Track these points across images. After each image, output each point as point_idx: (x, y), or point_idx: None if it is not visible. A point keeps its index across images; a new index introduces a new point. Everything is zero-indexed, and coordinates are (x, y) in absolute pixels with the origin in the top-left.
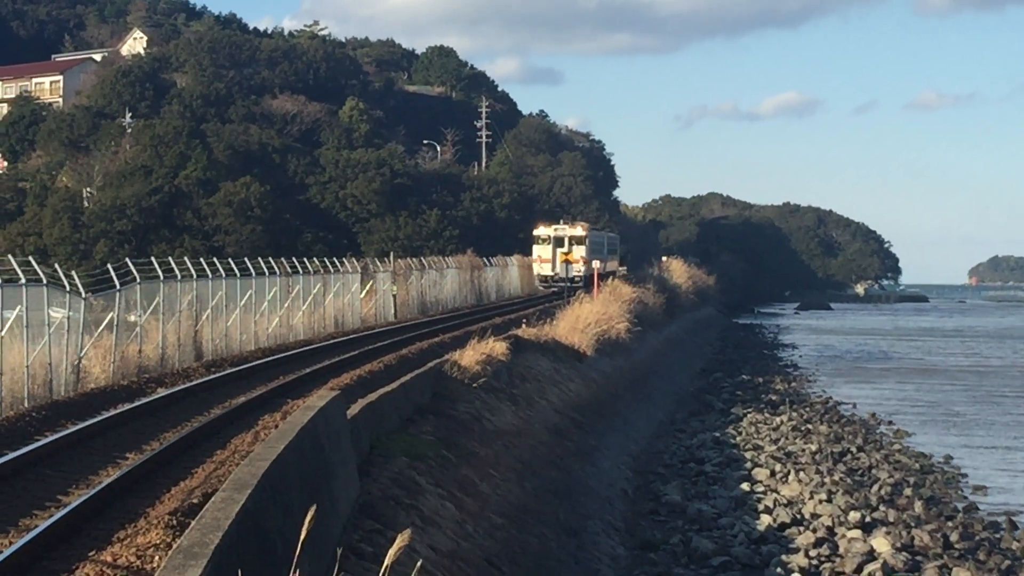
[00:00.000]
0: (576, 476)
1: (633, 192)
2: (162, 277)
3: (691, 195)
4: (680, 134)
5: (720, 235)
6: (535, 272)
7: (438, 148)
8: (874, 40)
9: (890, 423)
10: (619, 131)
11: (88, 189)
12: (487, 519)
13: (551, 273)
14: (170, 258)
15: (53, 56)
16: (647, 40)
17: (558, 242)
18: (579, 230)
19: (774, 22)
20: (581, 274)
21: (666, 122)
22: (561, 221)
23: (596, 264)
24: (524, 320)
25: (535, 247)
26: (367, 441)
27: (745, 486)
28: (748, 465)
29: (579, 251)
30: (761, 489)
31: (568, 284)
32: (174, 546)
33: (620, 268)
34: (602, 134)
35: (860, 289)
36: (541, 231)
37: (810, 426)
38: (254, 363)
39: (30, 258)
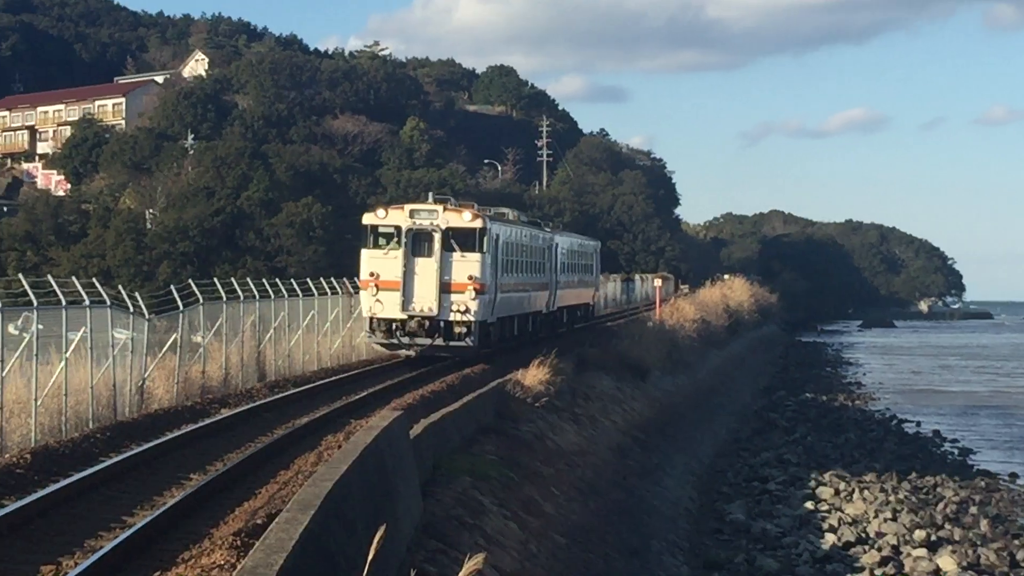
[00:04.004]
0: (639, 495)
1: (695, 210)
2: (225, 298)
3: (753, 213)
4: (745, 151)
5: (782, 252)
6: (364, 309)
7: (499, 167)
8: (943, 55)
9: (955, 441)
10: (683, 149)
11: (151, 211)
12: (550, 539)
13: (400, 314)
14: (232, 279)
15: (116, 78)
16: (714, 57)
17: (417, 241)
18: (466, 217)
19: (842, 38)
20: (472, 317)
21: (731, 139)
22: (431, 198)
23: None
24: (589, 339)
25: (364, 254)
26: (430, 461)
27: (809, 504)
28: (812, 483)
29: (466, 263)
30: (825, 508)
31: (441, 342)
32: (238, 567)
33: (681, 290)
34: (666, 152)
35: (924, 306)
36: (379, 216)
37: (874, 444)
38: (317, 383)
39: (94, 280)
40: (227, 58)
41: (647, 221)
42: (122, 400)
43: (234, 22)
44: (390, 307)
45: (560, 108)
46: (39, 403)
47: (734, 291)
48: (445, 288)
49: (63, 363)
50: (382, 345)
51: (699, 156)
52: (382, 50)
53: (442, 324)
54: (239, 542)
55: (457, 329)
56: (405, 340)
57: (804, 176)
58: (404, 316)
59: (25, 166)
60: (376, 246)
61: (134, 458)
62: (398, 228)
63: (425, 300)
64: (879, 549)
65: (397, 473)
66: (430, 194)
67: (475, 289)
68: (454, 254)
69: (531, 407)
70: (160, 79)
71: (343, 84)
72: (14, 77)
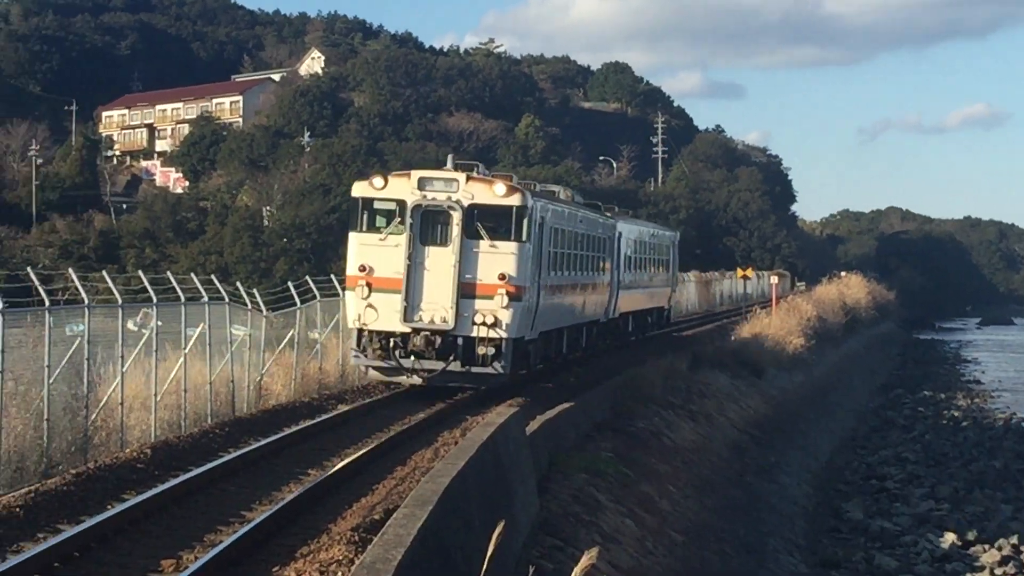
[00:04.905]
0: (756, 493)
1: (811, 207)
2: (341, 294)
3: (870, 210)
4: (862, 148)
5: (900, 250)
6: (350, 317)
7: (614, 164)
8: None
9: None
10: (800, 145)
11: (268, 208)
12: (667, 536)
13: (400, 327)
14: None
15: (233, 76)
16: (831, 53)
17: (428, 223)
18: (499, 190)
19: (962, 33)
20: (503, 333)
21: (849, 136)
22: (450, 161)
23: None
24: (702, 336)
25: (353, 240)
26: (546, 457)
27: (929, 503)
28: (931, 482)
29: (497, 255)
30: (946, 506)
31: (457, 366)
32: (357, 562)
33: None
34: (782, 148)
35: None
36: (374, 186)
37: (993, 442)
38: None
39: (212, 276)
40: (343, 56)
41: (763, 218)
42: (240, 396)
43: (350, 20)
44: (387, 316)
45: (675, 105)
46: (158, 399)
47: (851, 288)
48: (466, 291)
49: (182, 359)
50: (376, 369)
51: (816, 153)
52: (497, 47)
53: (460, 342)
54: (357, 537)
55: (481, 349)
56: (407, 363)
57: (922, 173)
58: (407, 329)
59: (144, 164)
60: (371, 228)
61: (252, 453)
62: (401, 204)
63: (437, 307)
64: (999, 548)
65: (513, 469)
66: (449, 157)
67: (508, 293)
68: (480, 242)
69: (646, 404)
70: (277, 77)
71: (458, 81)
72: (133, 76)
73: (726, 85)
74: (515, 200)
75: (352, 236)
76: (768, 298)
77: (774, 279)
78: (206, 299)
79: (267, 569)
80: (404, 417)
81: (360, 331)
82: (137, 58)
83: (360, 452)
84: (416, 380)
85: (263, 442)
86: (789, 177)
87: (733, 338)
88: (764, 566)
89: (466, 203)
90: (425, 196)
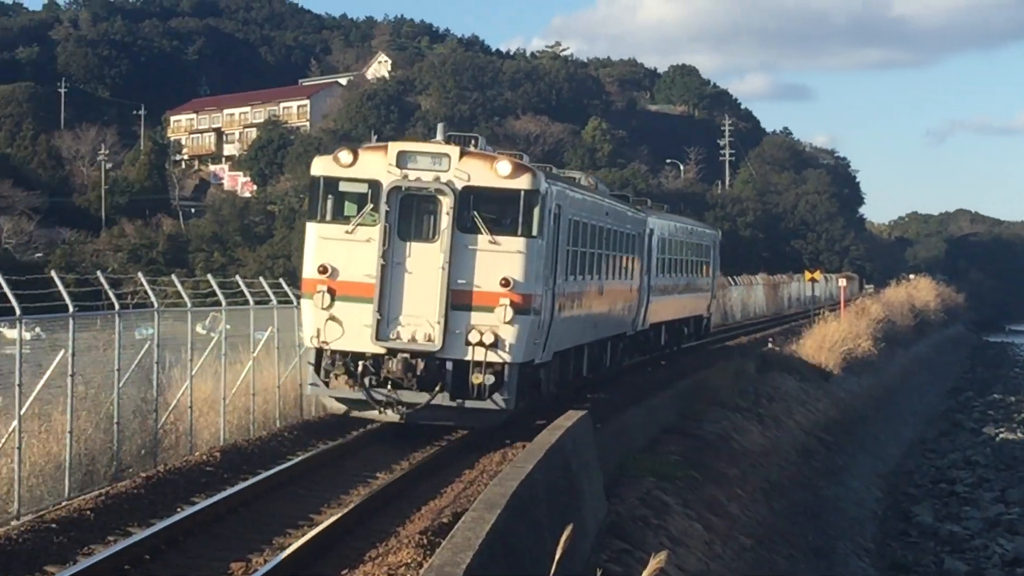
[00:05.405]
0: (824, 496)
1: (879, 209)
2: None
3: (939, 212)
4: (931, 149)
5: (969, 252)
6: (306, 334)
7: (681, 167)
8: None
9: None
10: (868, 147)
11: None
12: (735, 539)
13: (372, 347)
14: None
15: (300, 81)
16: (899, 54)
17: (409, 211)
18: (502, 169)
19: None
20: (506, 355)
21: (917, 137)
22: (440, 132)
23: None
24: (770, 339)
25: (312, 232)
26: (614, 461)
27: (999, 507)
28: (1001, 485)
29: (500, 255)
30: (1017, 510)
31: (446, 400)
32: (425, 565)
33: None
34: (850, 150)
35: None
36: (341, 162)
37: None
38: None
39: (280, 280)
40: (410, 60)
41: (831, 220)
42: (308, 399)
43: (416, 24)
44: (355, 332)
45: (742, 107)
46: (227, 402)
47: (920, 291)
48: (458, 300)
49: (250, 363)
50: (340, 401)
51: (884, 155)
52: (564, 50)
53: (450, 367)
54: (425, 540)
55: (477, 377)
56: (380, 396)
57: (992, 174)
58: (380, 350)
59: (212, 168)
60: (335, 218)
61: (320, 456)
62: (375, 186)
63: (420, 321)
64: None
65: (582, 473)
66: (439, 126)
67: (513, 303)
68: (478, 237)
69: (714, 407)
70: (344, 81)
71: (525, 85)
72: (201, 80)
73: (793, 87)
74: (523, 183)
75: (310, 227)
76: (836, 301)
77: (842, 282)
78: (275, 302)
79: (336, 572)
80: None
81: (319, 352)
82: (205, 63)
83: (428, 455)
84: (392, 416)
85: (331, 445)
86: (857, 179)
87: (792, 351)
88: (833, 570)
89: (459, 185)
90: (406, 176)
